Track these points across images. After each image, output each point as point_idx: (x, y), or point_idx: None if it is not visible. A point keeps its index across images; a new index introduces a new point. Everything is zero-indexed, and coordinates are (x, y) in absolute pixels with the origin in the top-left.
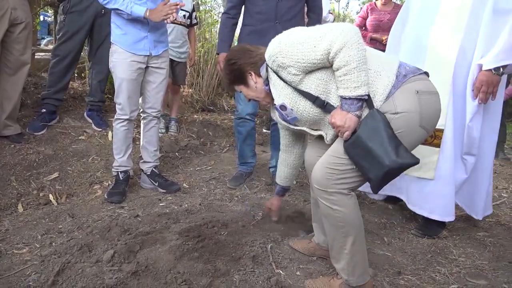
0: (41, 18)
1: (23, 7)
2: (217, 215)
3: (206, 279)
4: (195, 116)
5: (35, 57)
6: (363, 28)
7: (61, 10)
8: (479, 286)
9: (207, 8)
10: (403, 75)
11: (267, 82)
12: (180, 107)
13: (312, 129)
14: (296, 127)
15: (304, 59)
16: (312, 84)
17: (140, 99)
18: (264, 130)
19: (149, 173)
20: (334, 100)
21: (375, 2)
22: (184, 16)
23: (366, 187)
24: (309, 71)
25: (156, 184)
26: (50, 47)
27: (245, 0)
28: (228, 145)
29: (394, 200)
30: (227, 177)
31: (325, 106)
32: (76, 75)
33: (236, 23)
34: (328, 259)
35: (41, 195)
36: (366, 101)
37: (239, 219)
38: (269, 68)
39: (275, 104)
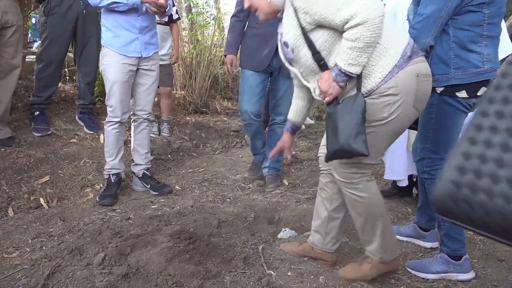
0: (33, 20)
1: (14, 10)
2: (209, 217)
3: (197, 281)
4: (187, 118)
5: (26, 60)
6: None
7: (41, 11)
8: (469, 284)
9: (199, 10)
10: (408, 56)
11: (283, 10)
12: (173, 109)
13: (303, 77)
14: (290, 67)
15: (322, 17)
16: (320, 38)
17: (131, 101)
18: None
19: (140, 176)
20: (332, 62)
21: None
22: None
23: (393, 175)
24: (323, 26)
25: (148, 187)
26: None
27: None
28: (220, 147)
29: (389, 195)
30: (219, 179)
31: (321, 64)
32: (68, 77)
33: (244, 26)
34: (318, 259)
35: (32, 198)
36: (357, 80)
37: (231, 221)
38: (289, 1)
39: (281, 37)
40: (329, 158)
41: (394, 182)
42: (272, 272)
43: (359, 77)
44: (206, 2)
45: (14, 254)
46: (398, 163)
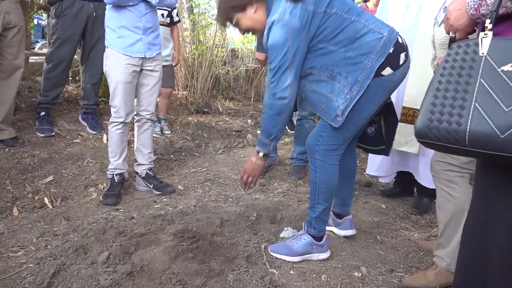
0: (35, 21)
1: (16, 11)
2: (211, 216)
3: (201, 279)
4: (189, 118)
5: (29, 61)
6: None
7: (52, 13)
8: None
9: (201, 11)
10: None
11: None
12: (175, 109)
13: (433, 42)
14: (434, 28)
15: None
16: None
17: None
18: (259, 132)
19: (143, 176)
20: None
21: (365, 4)
22: (163, 15)
23: (376, 171)
24: None
25: (151, 186)
26: (44, 50)
27: None
28: (223, 147)
29: (392, 195)
30: (221, 179)
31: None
32: (70, 78)
33: None
34: None
35: (36, 198)
36: None
37: (233, 220)
38: None
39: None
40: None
41: (396, 181)
42: (275, 271)
43: None
44: (208, 3)
45: (19, 253)
46: (379, 159)
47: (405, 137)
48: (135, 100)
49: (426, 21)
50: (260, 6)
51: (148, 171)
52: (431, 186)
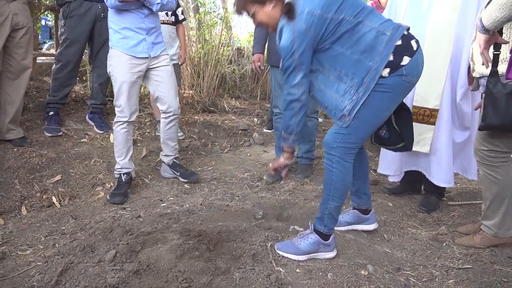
0: (42, 22)
1: (24, 12)
2: (218, 214)
3: (207, 277)
4: (196, 117)
5: (37, 61)
6: None
7: (61, 14)
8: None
9: (207, 10)
10: None
11: None
12: (181, 108)
13: None
14: None
15: None
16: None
17: (158, 104)
18: (265, 130)
19: (170, 164)
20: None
21: (379, 0)
22: (167, 13)
23: (385, 170)
24: None
25: (178, 174)
26: (52, 51)
27: None
28: (229, 146)
29: (399, 193)
30: (228, 177)
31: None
32: (77, 78)
33: None
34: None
35: (44, 197)
36: None
37: (239, 218)
38: None
39: None
40: (482, 128)
41: (403, 179)
42: (281, 269)
43: None
44: (213, 2)
45: (27, 251)
46: (389, 158)
47: (416, 137)
48: (157, 101)
49: (435, 18)
50: (278, 4)
51: (174, 160)
52: (442, 184)
